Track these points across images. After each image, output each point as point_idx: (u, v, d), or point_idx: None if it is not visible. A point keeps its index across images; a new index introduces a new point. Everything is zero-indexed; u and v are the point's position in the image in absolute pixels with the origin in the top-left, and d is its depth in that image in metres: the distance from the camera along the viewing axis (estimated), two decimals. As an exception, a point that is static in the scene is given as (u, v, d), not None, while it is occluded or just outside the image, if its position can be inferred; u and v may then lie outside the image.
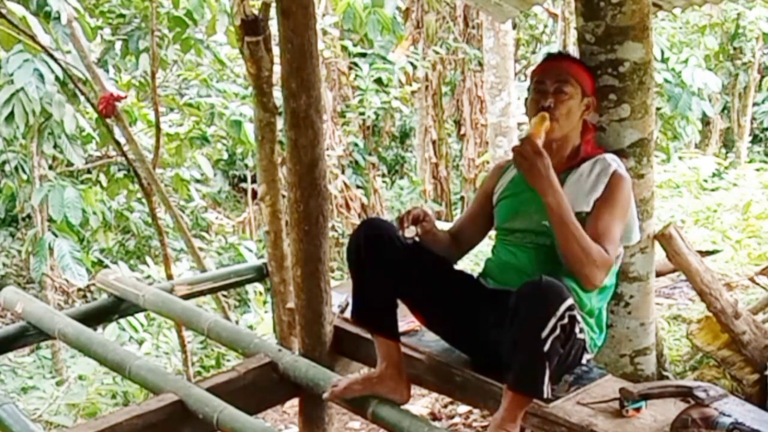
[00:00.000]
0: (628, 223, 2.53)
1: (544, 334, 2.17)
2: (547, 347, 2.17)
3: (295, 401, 3.15)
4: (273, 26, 2.92)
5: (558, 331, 2.18)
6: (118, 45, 6.62)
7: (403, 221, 2.49)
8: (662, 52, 9.23)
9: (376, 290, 2.52)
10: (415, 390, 2.85)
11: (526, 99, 2.63)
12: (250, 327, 5.92)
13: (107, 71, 6.63)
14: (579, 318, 2.28)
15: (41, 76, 5.56)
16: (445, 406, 3.76)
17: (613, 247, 2.42)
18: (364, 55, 9.63)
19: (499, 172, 2.74)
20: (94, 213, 6.54)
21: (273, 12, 2.83)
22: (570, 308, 2.21)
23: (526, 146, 2.33)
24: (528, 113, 2.59)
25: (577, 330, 2.28)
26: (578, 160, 2.54)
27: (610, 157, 2.54)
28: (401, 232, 2.47)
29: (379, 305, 2.53)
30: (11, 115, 5.74)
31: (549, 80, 2.53)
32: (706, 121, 11.40)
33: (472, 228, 2.77)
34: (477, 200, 2.80)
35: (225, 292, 5.47)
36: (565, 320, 2.19)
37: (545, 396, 2.23)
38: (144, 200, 5.98)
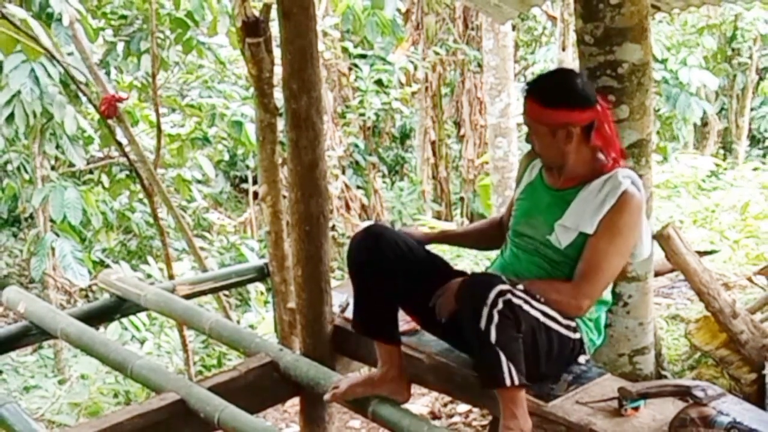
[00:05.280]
0: (635, 242, 2.48)
1: (483, 324, 2.18)
2: (493, 336, 2.18)
3: (296, 400, 3.16)
4: (274, 28, 2.94)
5: (498, 318, 2.18)
6: (120, 46, 6.63)
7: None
8: (661, 53, 9.24)
9: (377, 297, 2.52)
10: (415, 389, 2.86)
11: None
12: (251, 326, 5.93)
13: (109, 72, 6.65)
14: (523, 302, 2.25)
15: (37, 78, 5.55)
16: (445, 405, 3.78)
17: (603, 278, 2.42)
18: (364, 56, 9.64)
19: (527, 162, 2.66)
20: (96, 214, 6.54)
21: (274, 13, 2.85)
22: (501, 293, 2.19)
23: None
24: None
25: (529, 313, 2.27)
26: (592, 176, 2.47)
27: (623, 174, 2.43)
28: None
29: (380, 313, 2.54)
30: (12, 115, 5.75)
31: (524, 119, 2.51)
32: (704, 122, 11.40)
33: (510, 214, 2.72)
34: (516, 188, 2.76)
35: (226, 292, 5.48)
36: (500, 306, 2.19)
37: (508, 384, 2.21)
38: (146, 200, 5.99)
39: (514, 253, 2.57)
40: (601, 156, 2.46)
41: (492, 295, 2.19)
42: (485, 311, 2.18)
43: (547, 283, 2.41)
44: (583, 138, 2.42)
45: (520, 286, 2.28)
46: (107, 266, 6.57)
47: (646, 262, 3.06)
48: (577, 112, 2.40)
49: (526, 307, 2.27)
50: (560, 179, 2.51)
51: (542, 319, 2.33)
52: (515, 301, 2.23)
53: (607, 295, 2.52)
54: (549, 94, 2.43)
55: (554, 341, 2.37)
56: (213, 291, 3.88)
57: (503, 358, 2.20)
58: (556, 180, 2.52)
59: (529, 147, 2.56)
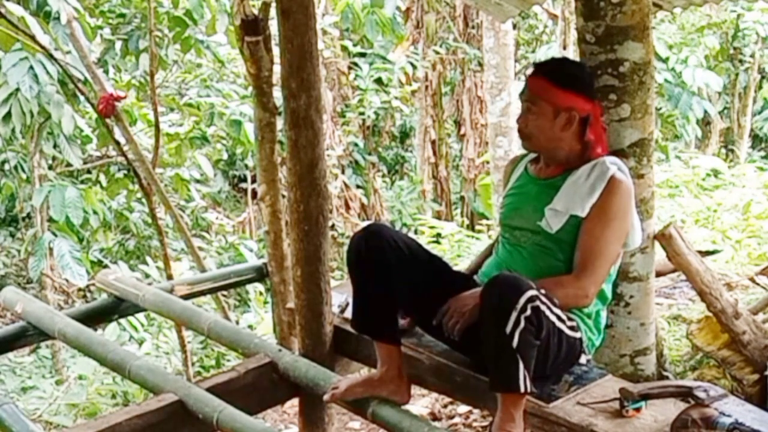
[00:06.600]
0: (628, 227, 2.49)
1: (509, 329, 2.16)
2: (515, 342, 2.17)
3: (295, 401, 3.15)
4: (273, 26, 2.92)
5: (524, 324, 2.17)
6: (118, 45, 6.62)
7: None
8: (663, 52, 9.22)
9: (377, 298, 2.51)
10: (415, 390, 2.85)
11: None
12: (250, 327, 5.92)
13: (107, 71, 6.63)
14: (546, 307, 2.25)
15: (35, 76, 5.53)
16: (445, 406, 3.76)
17: (604, 262, 2.43)
18: (364, 54, 9.64)
19: (511, 167, 2.72)
20: (94, 213, 6.52)
21: (273, 12, 2.83)
22: (531, 299, 2.19)
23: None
24: None
25: (549, 318, 2.26)
26: (579, 163, 2.50)
27: (610, 160, 2.48)
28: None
29: (379, 313, 2.52)
30: (9, 114, 5.72)
31: (523, 97, 2.53)
32: (706, 121, 11.38)
33: None
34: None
35: (225, 292, 5.46)
36: (528, 312, 2.18)
37: (522, 391, 2.21)
38: (144, 200, 5.97)
39: (507, 249, 2.58)
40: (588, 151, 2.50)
41: (522, 300, 2.17)
42: (513, 316, 2.16)
43: (549, 281, 2.39)
44: (579, 130, 2.47)
45: (543, 290, 2.26)
46: (105, 266, 6.56)
47: (648, 261, 3.05)
48: (583, 99, 2.47)
49: (547, 312, 2.26)
50: (547, 169, 2.54)
51: (557, 323, 2.31)
52: (541, 307, 2.23)
53: (606, 287, 2.51)
54: (561, 74, 2.50)
55: (563, 344, 2.36)
56: (211, 291, 3.87)
57: (521, 364, 2.19)
58: (542, 170, 2.56)
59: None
